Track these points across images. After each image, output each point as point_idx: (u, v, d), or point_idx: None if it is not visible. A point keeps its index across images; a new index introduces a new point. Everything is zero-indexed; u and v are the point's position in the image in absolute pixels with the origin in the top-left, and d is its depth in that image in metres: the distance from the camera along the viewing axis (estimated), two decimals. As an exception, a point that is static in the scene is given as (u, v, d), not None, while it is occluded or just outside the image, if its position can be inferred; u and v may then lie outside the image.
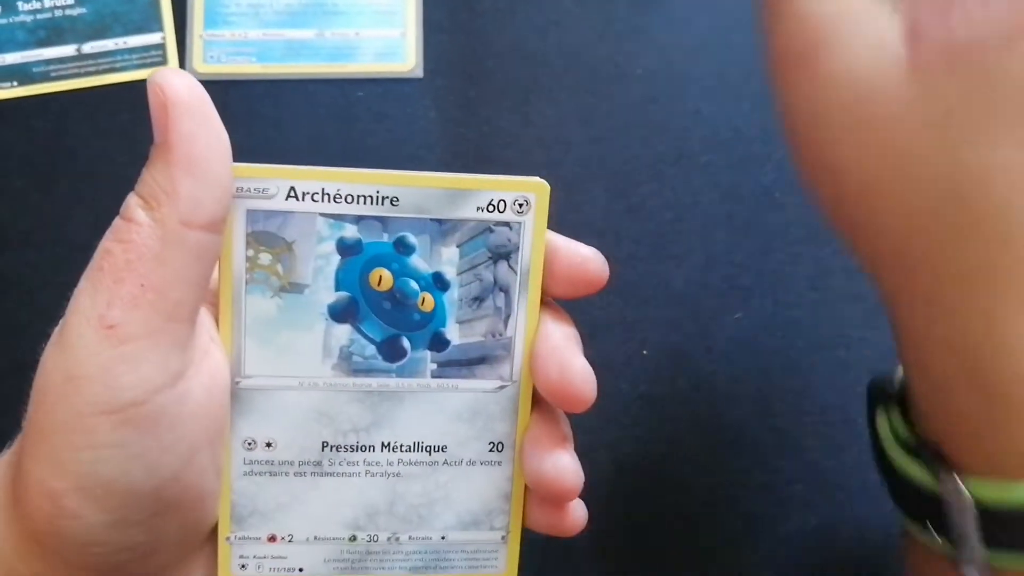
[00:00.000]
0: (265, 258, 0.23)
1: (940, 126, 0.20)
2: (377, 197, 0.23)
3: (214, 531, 0.26)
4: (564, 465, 0.25)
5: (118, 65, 0.38)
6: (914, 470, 0.23)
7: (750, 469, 0.37)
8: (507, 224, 0.24)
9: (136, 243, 0.21)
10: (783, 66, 0.23)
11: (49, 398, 0.21)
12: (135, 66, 0.38)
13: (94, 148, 0.38)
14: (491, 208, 0.24)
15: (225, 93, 0.38)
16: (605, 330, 0.37)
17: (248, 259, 0.23)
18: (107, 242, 0.21)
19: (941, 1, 0.20)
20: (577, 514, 0.27)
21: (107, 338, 0.20)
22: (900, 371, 0.26)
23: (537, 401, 0.26)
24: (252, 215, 0.23)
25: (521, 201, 0.24)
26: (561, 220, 0.37)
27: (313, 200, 0.23)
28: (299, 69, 0.38)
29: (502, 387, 0.25)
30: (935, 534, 0.22)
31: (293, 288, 0.24)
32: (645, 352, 0.37)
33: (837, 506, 0.37)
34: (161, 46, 0.38)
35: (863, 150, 0.21)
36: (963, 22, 0.20)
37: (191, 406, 0.22)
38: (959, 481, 0.21)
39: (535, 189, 0.24)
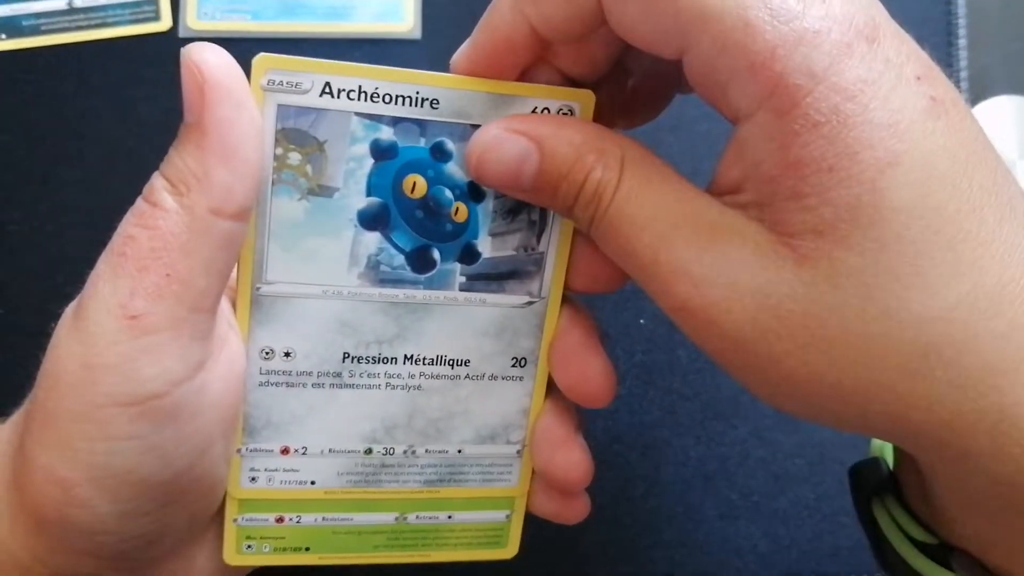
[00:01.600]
0: (295, 158, 0.22)
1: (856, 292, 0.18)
2: (416, 98, 0.22)
3: (220, 511, 0.25)
4: (575, 459, 0.25)
5: (110, 20, 0.37)
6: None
7: (747, 440, 0.37)
8: None
9: (162, 230, 0.20)
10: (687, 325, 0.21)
11: (62, 385, 0.20)
12: (127, 21, 0.37)
13: (83, 104, 0.37)
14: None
15: (218, 51, 0.37)
16: (602, 298, 0.37)
17: (276, 158, 0.22)
18: (130, 226, 0.20)
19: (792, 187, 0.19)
20: (581, 504, 0.26)
21: (129, 328, 0.19)
22: (876, 451, 0.26)
23: (551, 387, 0.26)
24: (283, 111, 0.21)
25: (565, 110, 0.23)
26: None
27: (349, 98, 0.22)
28: (294, 28, 0.38)
29: (530, 303, 0.25)
30: None
31: (322, 191, 0.22)
32: (642, 321, 0.37)
33: (836, 480, 0.37)
34: (154, 1, 0.37)
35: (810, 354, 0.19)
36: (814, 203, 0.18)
37: (209, 397, 0.21)
38: None
39: (580, 98, 0.23)
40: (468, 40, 0.22)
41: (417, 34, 0.38)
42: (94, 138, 0.37)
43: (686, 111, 0.38)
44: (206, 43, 0.20)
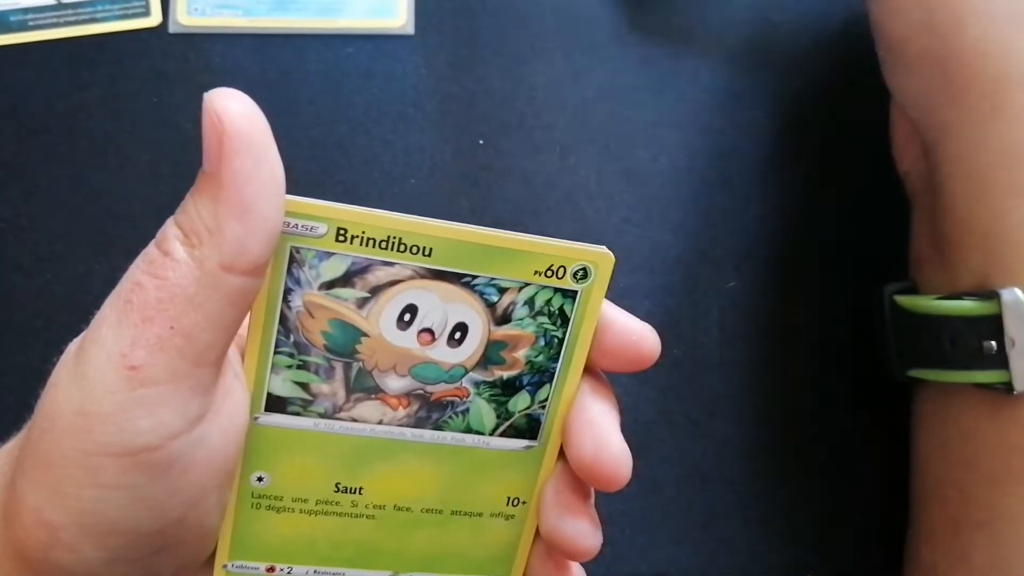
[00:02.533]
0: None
1: None
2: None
3: (210, 558, 0.25)
4: (583, 528, 0.24)
5: (99, 15, 0.37)
6: (964, 304, 0.28)
7: (742, 439, 0.36)
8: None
9: (171, 281, 0.19)
10: None
11: (57, 428, 0.20)
12: (116, 17, 0.37)
13: (72, 101, 0.37)
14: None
15: (209, 47, 0.37)
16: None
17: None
18: (139, 273, 0.20)
19: None
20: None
21: (128, 379, 0.19)
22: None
23: (562, 454, 0.25)
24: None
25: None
26: (554, 182, 0.37)
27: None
28: (287, 24, 0.37)
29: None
30: (990, 347, 0.28)
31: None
32: (638, 319, 0.37)
33: (832, 480, 0.36)
34: (144, -3, 0.37)
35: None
36: None
37: (206, 450, 0.21)
38: (1018, 290, 0.27)
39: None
40: None
41: (410, 30, 0.37)
42: (84, 134, 0.36)
43: (684, 109, 0.38)
44: (231, 90, 0.19)
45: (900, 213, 0.34)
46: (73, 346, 0.21)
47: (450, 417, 0.24)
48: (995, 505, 0.28)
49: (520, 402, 0.24)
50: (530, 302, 0.23)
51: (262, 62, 0.37)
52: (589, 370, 0.24)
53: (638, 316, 0.36)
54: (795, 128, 0.38)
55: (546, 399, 0.24)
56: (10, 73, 0.37)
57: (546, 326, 0.23)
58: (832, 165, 0.38)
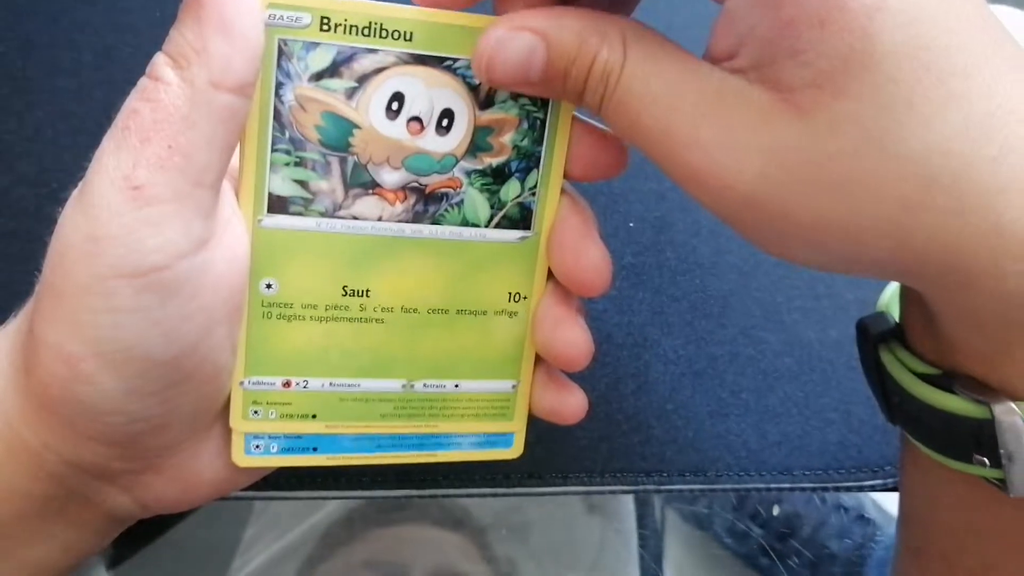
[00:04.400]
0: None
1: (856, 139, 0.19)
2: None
3: (226, 409, 0.25)
4: (576, 336, 0.25)
5: (102, -68, 0.37)
6: (953, 402, 0.23)
7: (736, 339, 0.37)
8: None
9: (164, 103, 0.20)
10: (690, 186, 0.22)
11: (68, 259, 0.20)
12: (119, -67, 0.37)
13: (77, 14, 0.37)
14: None
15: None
16: (591, 200, 0.37)
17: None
18: (133, 101, 0.20)
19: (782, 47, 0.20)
20: (578, 399, 0.27)
21: (132, 199, 0.20)
22: (883, 307, 0.27)
23: (551, 273, 0.26)
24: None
25: None
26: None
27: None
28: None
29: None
30: (982, 461, 0.22)
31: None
32: (631, 224, 0.37)
33: (823, 378, 0.37)
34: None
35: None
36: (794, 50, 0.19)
37: (212, 276, 0.22)
38: (1014, 405, 0.21)
39: None
40: None
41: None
42: (88, 47, 0.37)
43: (671, 34, 0.38)
44: None
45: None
46: (77, 189, 0.21)
47: (446, 210, 0.24)
48: (992, 563, 0.25)
49: (511, 190, 0.25)
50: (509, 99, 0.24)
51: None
52: (565, 190, 0.25)
53: (631, 220, 0.37)
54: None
55: (535, 186, 0.25)
56: (15, -12, 0.37)
57: (528, 108, 0.24)
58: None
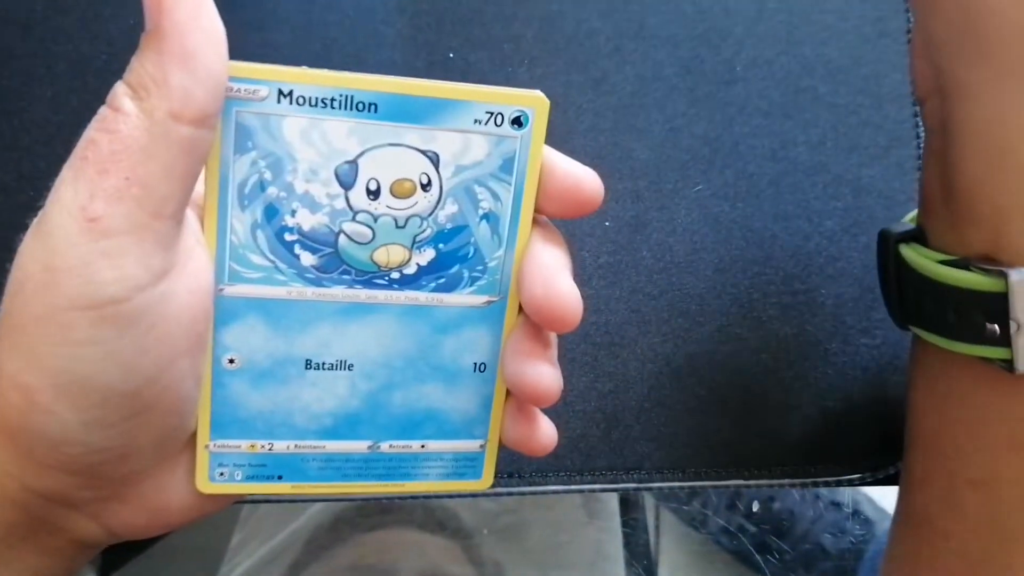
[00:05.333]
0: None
1: None
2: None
3: (193, 438, 0.25)
4: (544, 372, 0.25)
5: (75, -59, 0.38)
6: (970, 277, 0.26)
7: (712, 337, 0.37)
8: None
9: (123, 134, 0.20)
10: None
11: (27, 290, 0.20)
12: (92, -58, 0.38)
13: (52, 23, 0.38)
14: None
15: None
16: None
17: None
18: (92, 131, 0.20)
19: None
20: (547, 433, 0.27)
21: (89, 231, 0.20)
22: (908, 217, 0.31)
23: (521, 308, 0.26)
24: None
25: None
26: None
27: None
28: (259, -54, 0.38)
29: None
30: (993, 332, 0.26)
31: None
32: (607, 223, 0.38)
33: (800, 376, 0.37)
34: (119, -78, 0.38)
35: None
36: None
37: (173, 308, 0.22)
38: None
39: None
40: None
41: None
42: (64, 57, 0.37)
43: (648, 19, 0.38)
44: None
45: (874, 133, 0.35)
46: (36, 219, 0.21)
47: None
48: (993, 468, 0.28)
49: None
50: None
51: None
52: (537, 220, 0.25)
53: (607, 219, 0.37)
54: (757, 39, 0.39)
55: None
56: (-10, -2, 0.38)
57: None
58: (802, 75, 0.39)
